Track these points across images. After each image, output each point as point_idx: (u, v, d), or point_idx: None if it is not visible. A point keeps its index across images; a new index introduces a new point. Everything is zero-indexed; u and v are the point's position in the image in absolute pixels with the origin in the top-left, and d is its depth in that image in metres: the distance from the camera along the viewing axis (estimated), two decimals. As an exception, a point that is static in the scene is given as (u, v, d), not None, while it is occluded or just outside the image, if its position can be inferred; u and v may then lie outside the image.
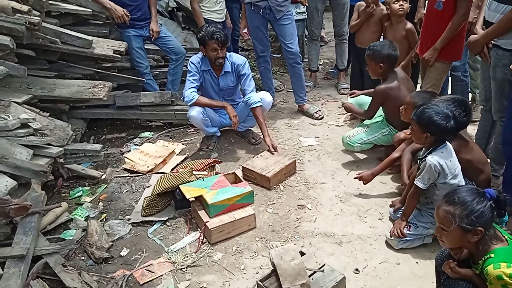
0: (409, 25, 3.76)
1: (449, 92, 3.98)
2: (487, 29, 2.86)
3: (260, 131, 3.87)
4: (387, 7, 3.91)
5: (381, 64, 3.38)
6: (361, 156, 3.75)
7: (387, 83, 3.42)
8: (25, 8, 3.35)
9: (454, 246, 1.96)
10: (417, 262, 2.63)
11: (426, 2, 3.61)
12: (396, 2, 3.71)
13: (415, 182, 2.60)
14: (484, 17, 2.96)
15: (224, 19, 4.67)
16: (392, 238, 2.71)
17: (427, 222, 2.69)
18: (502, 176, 3.02)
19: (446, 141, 2.57)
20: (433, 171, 2.50)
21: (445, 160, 2.50)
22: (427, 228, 2.68)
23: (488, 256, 1.81)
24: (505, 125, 2.82)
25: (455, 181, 2.55)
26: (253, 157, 3.65)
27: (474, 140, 3.38)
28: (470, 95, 4.17)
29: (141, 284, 2.59)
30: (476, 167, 2.78)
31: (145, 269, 2.69)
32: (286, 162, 3.50)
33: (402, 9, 3.72)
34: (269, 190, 3.36)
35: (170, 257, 2.77)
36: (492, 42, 2.87)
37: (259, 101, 3.75)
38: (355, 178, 3.27)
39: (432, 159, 2.49)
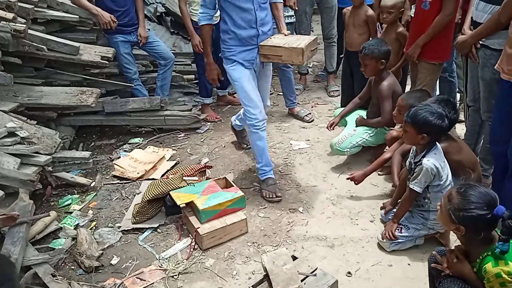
0: (400, 28, 3.77)
1: (437, 93, 4.00)
2: (475, 30, 2.88)
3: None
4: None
5: (382, 60, 3.41)
6: (352, 158, 3.75)
7: (389, 79, 3.47)
8: (10, 15, 3.33)
9: (444, 226, 2.02)
10: (409, 264, 2.63)
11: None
12: (381, 13, 3.75)
13: (411, 186, 2.59)
14: (471, 17, 2.98)
15: (217, 22, 4.61)
16: (384, 240, 2.71)
17: (418, 223, 2.69)
18: (491, 176, 3.04)
19: (436, 142, 2.58)
20: (429, 174, 2.50)
21: (439, 161, 2.52)
22: (418, 230, 2.69)
23: (486, 254, 1.82)
24: (492, 124, 2.84)
25: (448, 182, 2.56)
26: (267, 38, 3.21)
27: (463, 141, 3.40)
28: (458, 95, 4.20)
29: (132, 292, 2.56)
30: (466, 167, 2.79)
31: (136, 277, 2.66)
32: (311, 38, 3.22)
33: (385, 21, 3.76)
34: (302, 64, 3.27)
35: (161, 265, 2.74)
36: (480, 42, 2.88)
37: None
38: (347, 179, 3.26)
39: (428, 162, 2.49)
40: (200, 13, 3.20)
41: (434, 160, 2.50)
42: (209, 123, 4.60)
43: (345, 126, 3.78)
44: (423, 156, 2.54)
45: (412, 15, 3.66)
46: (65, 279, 2.61)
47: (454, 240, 2.73)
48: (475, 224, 1.80)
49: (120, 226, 3.09)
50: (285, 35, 3.22)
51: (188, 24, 4.44)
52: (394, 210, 2.83)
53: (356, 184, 3.23)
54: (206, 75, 3.44)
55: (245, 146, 4.03)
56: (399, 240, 2.68)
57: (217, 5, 3.16)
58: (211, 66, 3.36)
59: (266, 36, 3.17)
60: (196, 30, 4.43)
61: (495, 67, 2.64)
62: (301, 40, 3.10)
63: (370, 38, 3.99)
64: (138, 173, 3.67)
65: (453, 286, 1.92)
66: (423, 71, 3.44)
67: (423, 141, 2.52)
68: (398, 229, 2.69)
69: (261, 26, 3.13)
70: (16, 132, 3.21)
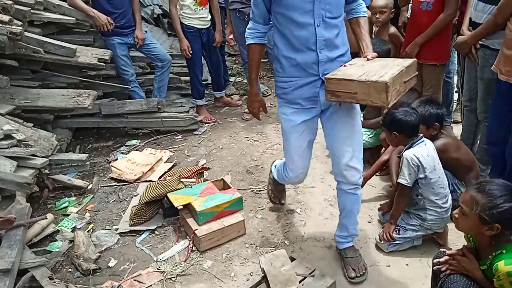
0: (392, 29, 3.75)
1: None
2: (474, 30, 2.89)
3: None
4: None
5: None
6: (349, 159, 3.74)
7: None
8: (6, 18, 3.31)
9: (467, 232, 1.95)
10: (407, 264, 2.63)
11: (410, 4, 3.64)
12: (373, 14, 3.73)
13: (397, 180, 2.62)
14: (470, 18, 2.98)
15: (207, 26, 4.60)
16: (382, 242, 2.71)
17: (415, 225, 2.68)
18: (488, 177, 3.04)
19: (424, 138, 2.62)
20: (410, 164, 2.52)
21: (422, 153, 2.53)
22: (416, 231, 2.68)
23: (500, 251, 1.80)
24: (489, 125, 2.85)
25: (436, 176, 2.56)
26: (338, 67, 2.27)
27: (460, 141, 3.41)
28: (456, 94, 4.20)
29: (130, 295, 2.56)
30: (465, 166, 2.81)
31: (134, 280, 2.65)
32: (405, 63, 2.16)
33: (378, 21, 3.73)
34: (386, 106, 2.03)
35: (159, 267, 2.73)
36: (480, 42, 2.90)
37: (365, 12, 2.42)
38: None
39: (408, 152, 2.54)
40: (248, 28, 2.41)
41: (414, 151, 2.54)
42: (206, 125, 4.60)
43: None
44: (407, 149, 2.60)
45: (409, 16, 3.66)
46: (63, 282, 2.60)
47: (452, 241, 2.74)
48: (509, 219, 1.77)
49: (117, 229, 3.08)
50: (368, 59, 2.27)
51: (177, 27, 4.43)
52: (392, 210, 2.82)
53: None
54: (247, 107, 2.69)
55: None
56: (397, 242, 2.68)
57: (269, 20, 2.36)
58: (253, 98, 2.54)
59: (334, 64, 2.26)
60: (185, 34, 4.43)
61: (492, 68, 2.65)
62: (388, 68, 2.10)
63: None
64: (135, 175, 3.66)
65: (456, 285, 1.90)
66: (427, 73, 3.45)
67: (397, 139, 2.63)
68: (396, 231, 2.69)
69: (323, 49, 2.22)
70: (12, 134, 3.20)
